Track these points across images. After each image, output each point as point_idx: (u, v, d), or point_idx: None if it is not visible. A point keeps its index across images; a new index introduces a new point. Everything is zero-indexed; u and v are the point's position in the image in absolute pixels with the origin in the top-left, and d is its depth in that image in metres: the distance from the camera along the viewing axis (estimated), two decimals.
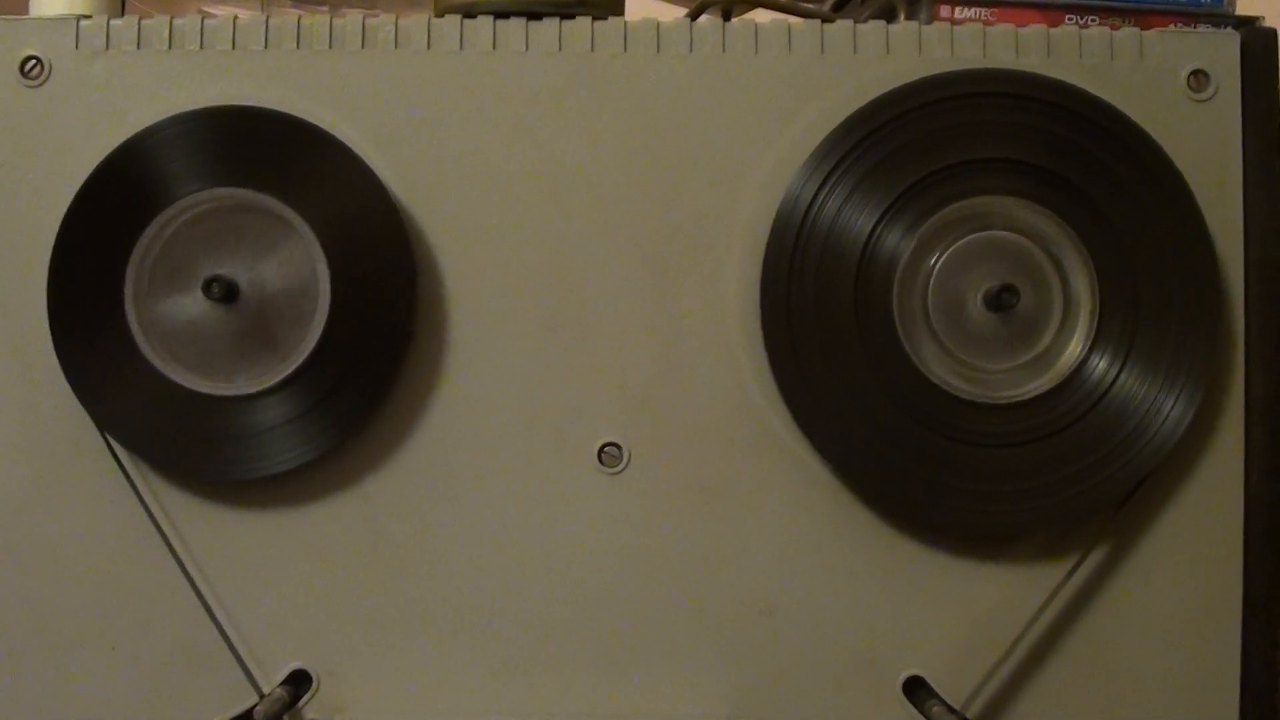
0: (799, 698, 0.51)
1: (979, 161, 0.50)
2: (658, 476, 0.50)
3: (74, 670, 0.50)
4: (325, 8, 0.68)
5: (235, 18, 0.51)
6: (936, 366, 0.50)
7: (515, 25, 0.51)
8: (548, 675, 0.50)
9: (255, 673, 0.50)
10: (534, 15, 0.51)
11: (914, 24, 0.52)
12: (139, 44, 0.51)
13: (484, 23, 0.51)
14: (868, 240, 0.49)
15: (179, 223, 0.49)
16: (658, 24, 0.51)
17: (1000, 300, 0.49)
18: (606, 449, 0.50)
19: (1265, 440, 0.51)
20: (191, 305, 0.49)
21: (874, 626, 0.51)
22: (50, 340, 0.49)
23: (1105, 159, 0.50)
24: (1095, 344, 0.50)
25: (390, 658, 0.50)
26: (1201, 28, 0.55)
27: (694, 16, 0.54)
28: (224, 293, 0.48)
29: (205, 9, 0.68)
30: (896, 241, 0.49)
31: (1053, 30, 0.52)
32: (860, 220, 0.49)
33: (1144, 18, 0.57)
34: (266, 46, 0.51)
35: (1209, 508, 0.51)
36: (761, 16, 0.53)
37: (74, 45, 0.51)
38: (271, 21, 0.51)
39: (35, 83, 0.51)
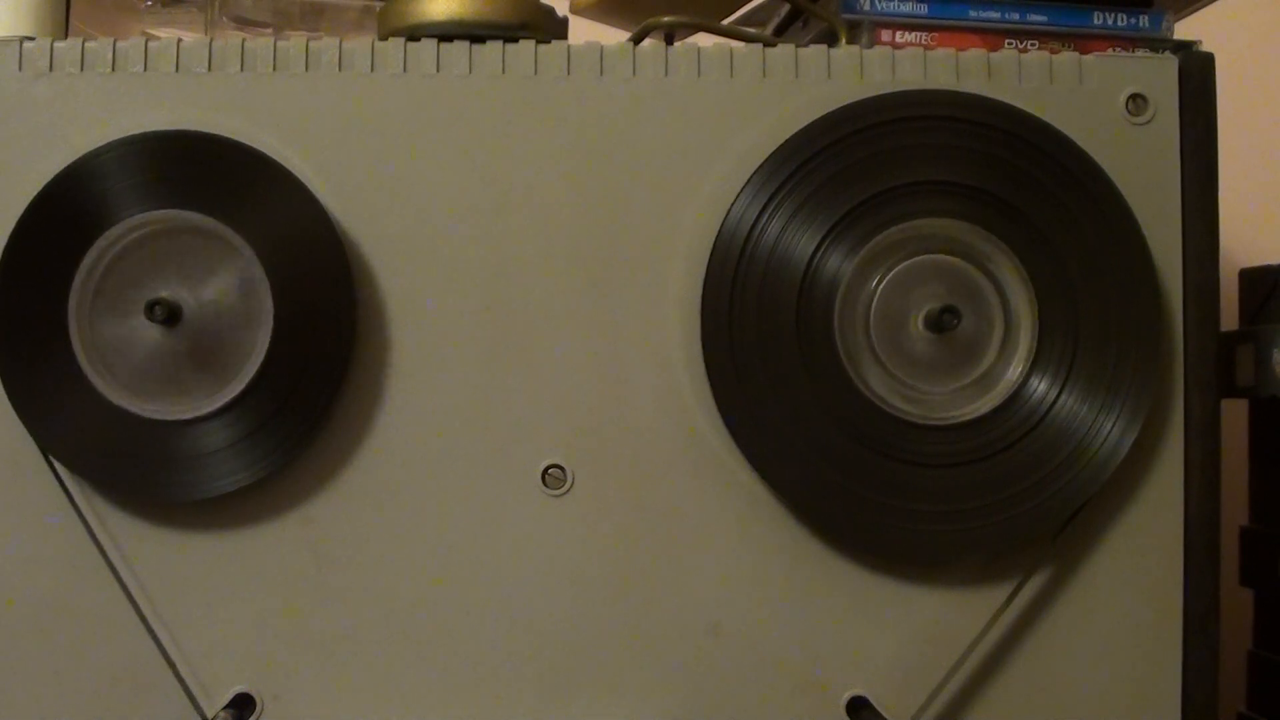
0: (743, 718, 0.51)
1: (921, 184, 0.50)
2: (601, 498, 0.50)
3: (16, 695, 0.50)
4: (269, 30, 0.67)
5: (179, 40, 0.51)
6: (878, 388, 0.50)
7: (459, 48, 0.51)
8: (492, 697, 0.50)
9: (199, 696, 0.50)
10: (477, 39, 0.51)
11: (855, 48, 0.52)
12: (82, 66, 0.50)
13: (428, 45, 0.51)
14: (809, 262, 0.50)
15: (122, 245, 0.49)
16: (601, 48, 0.51)
17: (941, 322, 0.49)
18: (550, 471, 0.50)
19: (1204, 461, 0.51)
20: (135, 328, 0.49)
21: (818, 646, 0.51)
22: None
23: (1046, 181, 0.50)
24: (1035, 365, 0.50)
25: (334, 680, 0.50)
26: (1140, 52, 0.55)
27: (637, 40, 0.55)
28: (167, 315, 0.48)
29: (149, 31, 0.68)
30: (838, 264, 0.50)
31: (993, 54, 0.52)
32: (802, 243, 0.50)
33: (1083, 42, 0.57)
34: (210, 69, 0.51)
35: (1150, 527, 0.52)
36: (704, 41, 0.53)
37: (17, 67, 0.50)
38: (215, 44, 0.51)
39: None
